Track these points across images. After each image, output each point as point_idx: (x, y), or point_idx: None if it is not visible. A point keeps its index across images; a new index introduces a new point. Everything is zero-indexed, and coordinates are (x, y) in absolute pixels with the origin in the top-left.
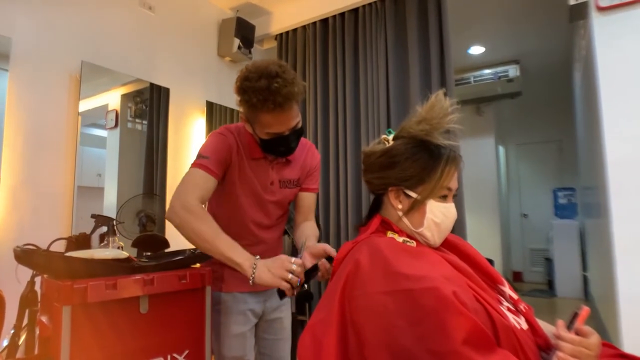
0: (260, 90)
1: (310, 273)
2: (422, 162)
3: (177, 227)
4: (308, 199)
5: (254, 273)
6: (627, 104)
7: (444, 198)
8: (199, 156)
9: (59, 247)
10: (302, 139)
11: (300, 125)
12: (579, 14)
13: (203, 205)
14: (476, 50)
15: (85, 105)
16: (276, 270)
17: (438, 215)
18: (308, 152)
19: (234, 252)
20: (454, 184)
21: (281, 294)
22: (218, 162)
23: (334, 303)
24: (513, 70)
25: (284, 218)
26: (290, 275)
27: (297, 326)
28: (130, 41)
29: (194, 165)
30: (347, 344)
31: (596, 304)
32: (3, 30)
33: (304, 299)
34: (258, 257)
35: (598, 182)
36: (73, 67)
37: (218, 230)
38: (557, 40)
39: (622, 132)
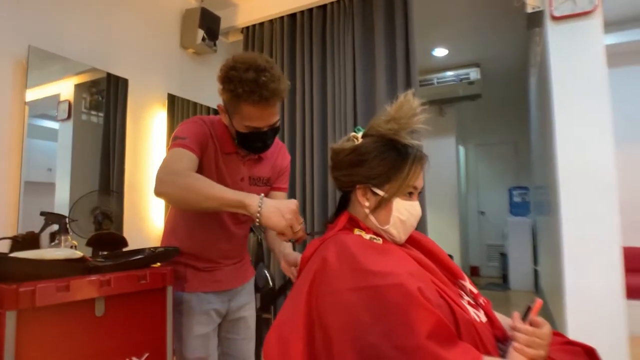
0: (247, 81)
1: (288, 284)
2: (390, 161)
3: (168, 194)
4: (279, 198)
5: (260, 210)
6: (577, 109)
7: (409, 196)
8: (176, 138)
9: (4, 246)
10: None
11: (278, 124)
12: (535, 21)
13: None
14: (440, 52)
15: (33, 94)
16: (287, 213)
17: (404, 213)
18: (280, 152)
19: (235, 194)
20: (419, 183)
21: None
22: (197, 143)
23: (300, 301)
24: (474, 73)
25: None
26: (299, 226)
27: (262, 324)
28: (86, 27)
29: (172, 146)
30: (314, 342)
31: (545, 296)
32: None
33: (269, 298)
34: (262, 195)
35: (549, 182)
36: (19, 53)
37: (212, 182)
38: (515, 46)
39: (572, 136)
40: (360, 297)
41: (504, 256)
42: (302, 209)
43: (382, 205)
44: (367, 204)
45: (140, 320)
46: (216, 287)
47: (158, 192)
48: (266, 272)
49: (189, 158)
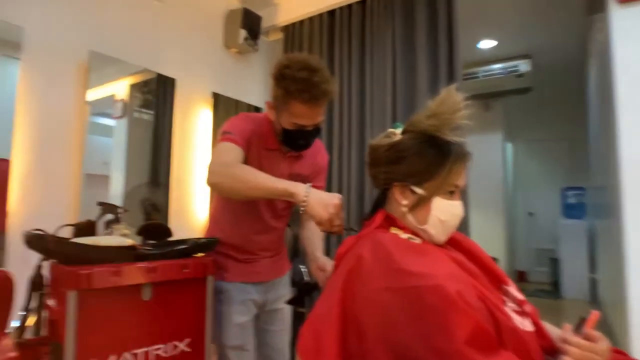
0: (300, 80)
1: (312, 289)
2: (430, 158)
3: (218, 184)
4: None
5: (305, 199)
6: None
7: (450, 195)
8: (224, 132)
9: (66, 233)
10: None
11: (322, 124)
12: (597, 6)
13: None
14: (486, 44)
15: (93, 94)
16: (330, 207)
17: (444, 213)
18: (319, 150)
19: (281, 183)
20: (461, 182)
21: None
22: (243, 138)
23: (335, 297)
24: (524, 65)
25: (290, 209)
26: (339, 221)
27: (296, 318)
28: (138, 31)
29: (221, 140)
30: (348, 338)
31: (604, 308)
32: (16, 19)
33: (304, 292)
34: (310, 184)
35: (610, 182)
36: (82, 56)
37: (258, 171)
38: (571, 35)
39: (638, 132)
40: (395, 297)
41: (555, 261)
42: None
43: (420, 204)
44: (405, 202)
45: (182, 307)
46: (255, 278)
47: (210, 182)
48: (302, 267)
49: (237, 151)
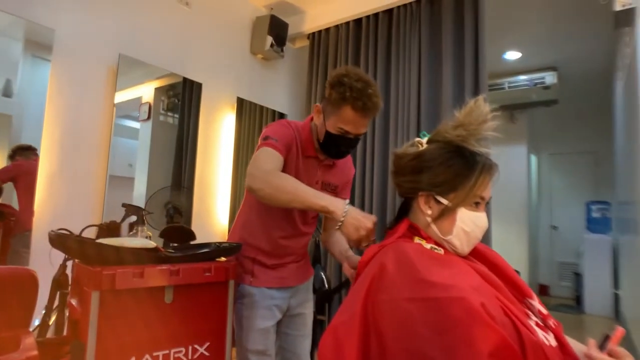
0: (356, 89)
1: (343, 286)
2: (456, 169)
3: (259, 190)
4: None
5: (343, 218)
6: None
7: (476, 206)
8: (267, 138)
9: (91, 233)
10: None
11: (360, 137)
12: (625, 20)
13: None
14: (512, 55)
15: (120, 97)
16: (362, 229)
17: (468, 224)
18: (347, 163)
19: (321, 199)
20: (487, 193)
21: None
22: (284, 145)
23: (357, 306)
24: (550, 77)
25: (316, 218)
26: (366, 243)
27: (317, 326)
28: (166, 35)
29: (263, 145)
30: (369, 348)
31: (628, 325)
32: (48, 22)
33: (324, 299)
34: (347, 200)
35: (637, 198)
36: (111, 60)
37: (298, 183)
38: (598, 48)
39: None
40: (418, 309)
41: (578, 276)
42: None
43: (445, 214)
44: (429, 212)
45: (203, 310)
46: (281, 283)
47: (250, 187)
48: (322, 273)
49: (277, 158)
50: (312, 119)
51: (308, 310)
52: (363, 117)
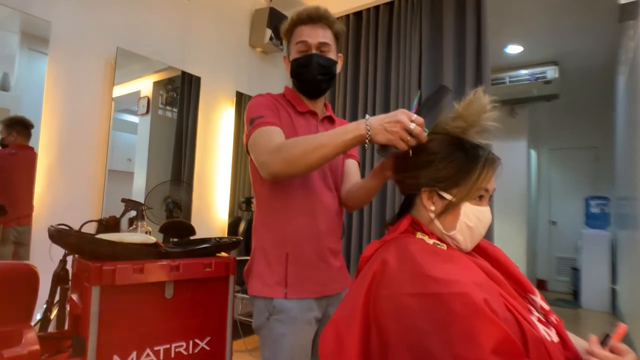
0: (300, 11)
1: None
2: (458, 164)
3: (282, 171)
4: (353, 166)
5: (368, 134)
6: None
7: (480, 200)
8: (252, 121)
9: (90, 228)
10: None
11: (329, 54)
12: (629, 13)
13: None
14: (514, 49)
15: (118, 91)
16: (391, 127)
17: (472, 219)
18: (344, 122)
19: (344, 133)
20: (491, 185)
21: (383, 150)
22: (273, 115)
23: (358, 301)
24: (551, 72)
25: (339, 186)
26: (408, 137)
27: None
28: (164, 29)
29: (255, 127)
30: (370, 343)
31: (625, 320)
32: (43, 13)
33: None
34: (368, 116)
35: (636, 193)
36: (109, 53)
37: (311, 137)
38: (600, 42)
39: None
40: (420, 304)
41: (576, 271)
42: (360, 211)
43: (449, 209)
44: (432, 208)
45: (204, 305)
46: (320, 292)
47: (271, 173)
48: None
49: (277, 132)
50: (284, 91)
51: None
52: (314, 25)
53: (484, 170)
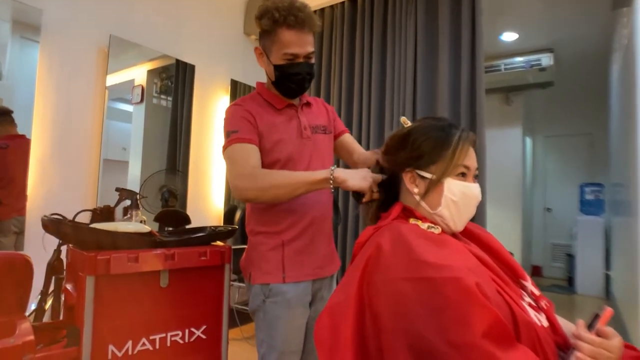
0: (283, 7)
1: (358, 196)
2: (434, 140)
3: (254, 198)
4: (348, 138)
5: (332, 175)
6: None
7: (462, 177)
8: (228, 133)
9: (84, 218)
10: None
11: (313, 61)
12: (623, 0)
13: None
14: (509, 36)
15: (112, 79)
16: (358, 173)
17: (456, 194)
18: (323, 103)
19: (311, 176)
20: (471, 163)
21: (358, 196)
22: (249, 130)
23: (353, 286)
24: (546, 59)
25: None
26: (370, 181)
27: None
28: (158, 16)
29: (229, 143)
30: (364, 328)
31: (618, 304)
32: (35, 1)
33: None
34: (333, 166)
35: (629, 180)
36: (102, 41)
37: (288, 172)
38: (594, 29)
39: None
40: (413, 288)
41: (570, 257)
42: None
43: (431, 188)
44: (416, 190)
45: (199, 294)
46: (315, 274)
47: (243, 199)
48: None
49: (252, 150)
50: (258, 89)
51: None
52: (301, 32)
53: (459, 145)
